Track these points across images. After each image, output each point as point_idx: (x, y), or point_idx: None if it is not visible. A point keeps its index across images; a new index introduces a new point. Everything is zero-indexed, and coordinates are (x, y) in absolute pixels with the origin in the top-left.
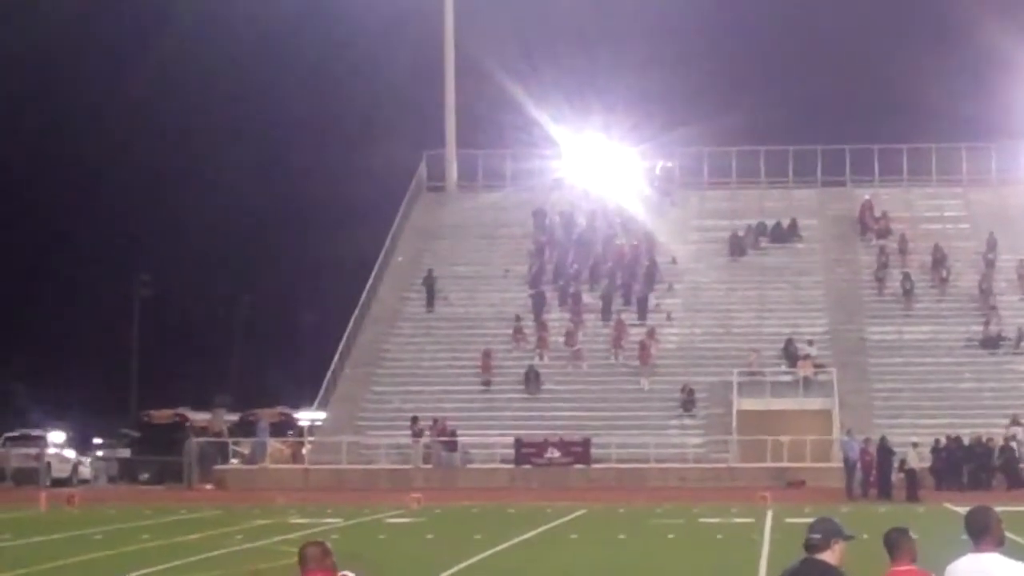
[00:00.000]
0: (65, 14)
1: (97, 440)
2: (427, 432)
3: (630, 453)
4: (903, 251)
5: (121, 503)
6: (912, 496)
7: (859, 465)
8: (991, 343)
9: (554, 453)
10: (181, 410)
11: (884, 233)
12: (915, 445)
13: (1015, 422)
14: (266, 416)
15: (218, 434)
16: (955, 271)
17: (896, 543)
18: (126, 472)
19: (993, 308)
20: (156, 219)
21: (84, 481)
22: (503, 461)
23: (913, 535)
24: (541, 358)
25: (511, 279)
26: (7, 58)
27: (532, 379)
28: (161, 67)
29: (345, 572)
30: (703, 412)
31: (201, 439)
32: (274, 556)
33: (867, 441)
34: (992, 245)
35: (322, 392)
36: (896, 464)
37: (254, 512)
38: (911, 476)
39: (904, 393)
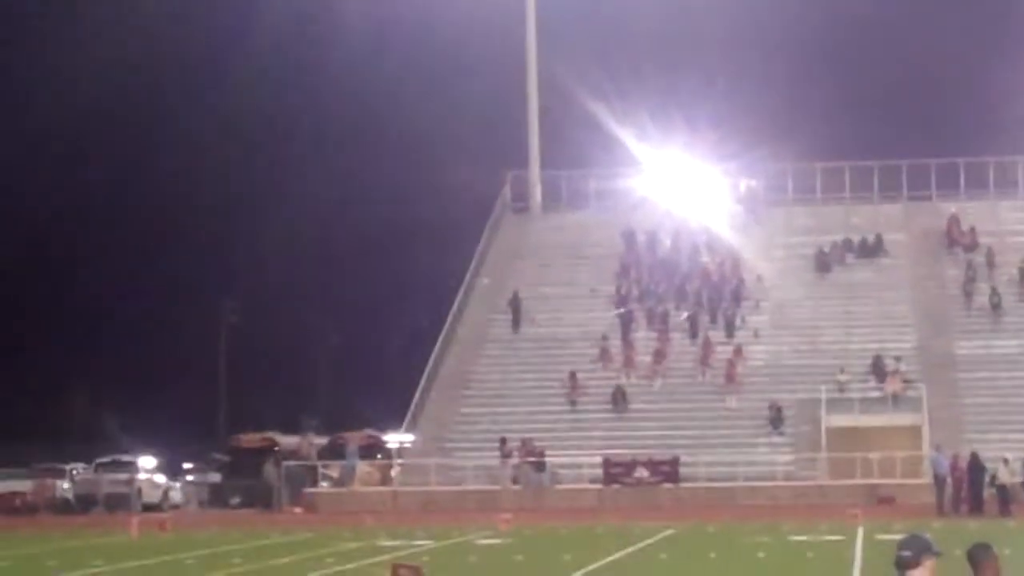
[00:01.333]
0: (158, 40)
1: (187, 465)
2: (515, 453)
3: (719, 472)
4: (990, 265)
5: (212, 527)
6: (1004, 511)
7: (949, 481)
8: None
9: (642, 472)
10: (270, 434)
11: (971, 247)
12: (1006, 460)
13: None
14: (354, 439)
15: (307, 457)
16: None
17: (978, 559)
18: (216, 496)
19: None
20: (243, 245)
21: (175, 506)
22: (591, 481)
23: (996, 550)
24: (628, 377)
25: (597, 299)
26: (102, 82)
27: (619, 399)
28: (252, 95)
29: None
30: (791, 429)
31: (289, 462)
32: None
33: (956, 456)
34: None
35: (410, 414)
36: (987, 479)
37: (344, 535)
38: (1003, 491)
39: (994, 408)
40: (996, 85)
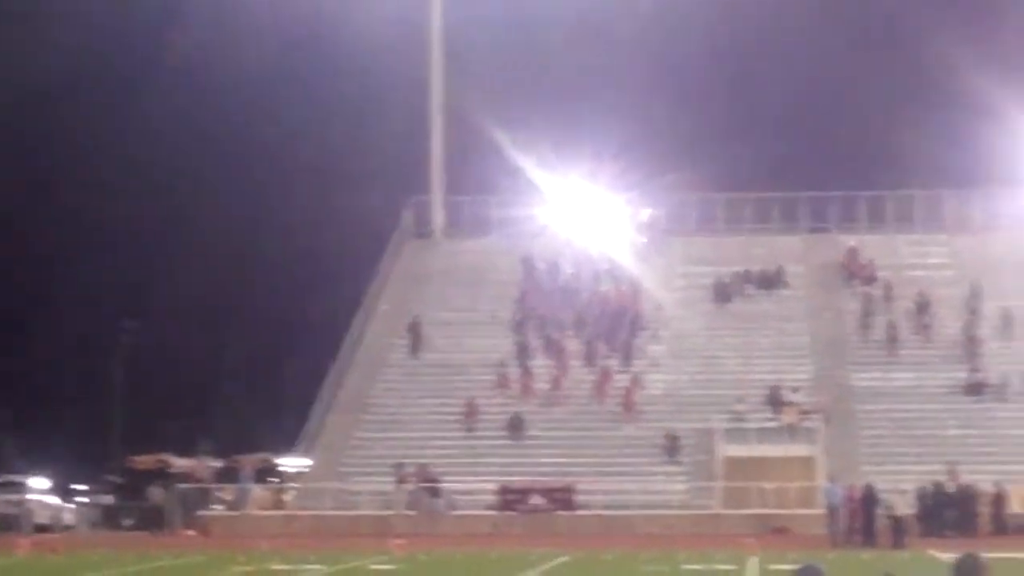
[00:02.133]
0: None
1: (80, 486)
2: (411, 478)
3: (614, 499)
4: (888, 298)
5: (104, 549)
6: (898, 543)
7: (843, 511)
8: (975, 390)
9: (538, 499)
10: (164, 456)
11: (869, 280)
12: (903, 492)
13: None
14: (249, 463)
15: (201, 480)
16: (939, 318)
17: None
18: (109, 518)
19: (977, 355)
20: (139, 267)
21: (67, 527)
22: (487, 507)
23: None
24: (525, 405)
25: (496, 326)
26: None
27: (516, 425)
28: (146, 117)
29: None
30: (688, 459)
31: (183, 485)
32: None
33: (851, 488)
34: (976, 292)
35: (306, 438)
36: (883, 510)
37: (237, 558)
38: (897, 523)
39: (889, 440)
40: (896, 120)
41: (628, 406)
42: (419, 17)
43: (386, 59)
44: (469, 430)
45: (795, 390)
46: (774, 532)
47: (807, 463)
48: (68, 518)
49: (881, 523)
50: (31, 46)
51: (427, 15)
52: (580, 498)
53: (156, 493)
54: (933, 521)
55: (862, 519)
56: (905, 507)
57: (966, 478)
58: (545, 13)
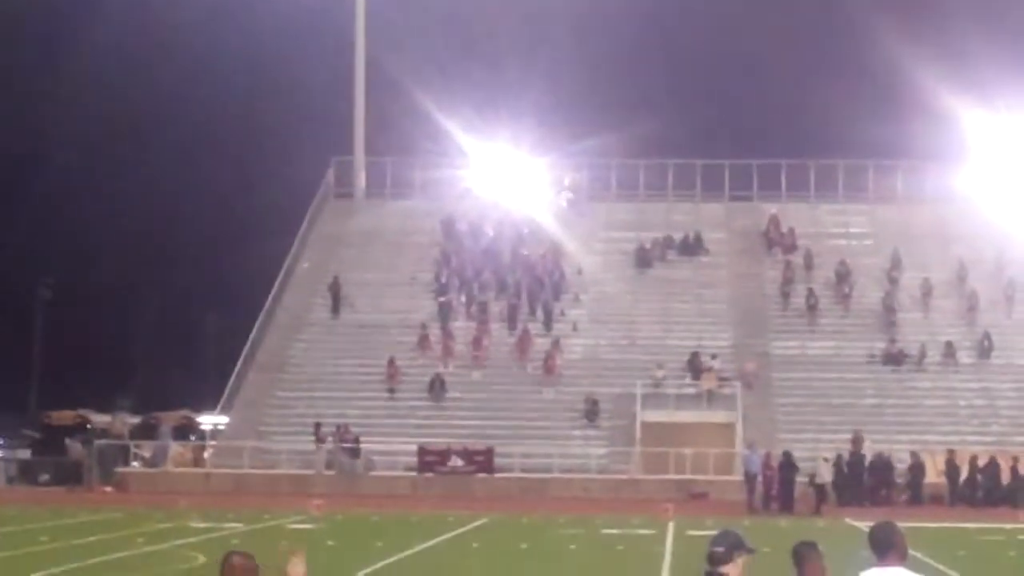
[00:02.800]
0: None
1: None
2: (330, 438)
3: (533, 463)
4: (808, 266)
5: (20, 504)
6: (818, 510)
7: (760, 479)
8: (894, 360)
9: (457, 462)
10: (82, 411)
11: (790, 248)
12: (826, 459)
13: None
14: (168, 419)
15: (119, 436)
16: (859, 287)
17: (803, 557)
18: (25, 473)
19: (896, 325)
20: (57, 222)
21: None
22: (406, 469)
23: (823, 549)
24: (446, 366)
25: (417, 287)
26: None
27: (437, 387)
28: (67, 73)
29: None
30: (607, 423)
31: (101, 441)
32: (178, 559)
33: (768, 455)
34: (896, 262)
35: (225, 396)
36: (808, 478)
37: (155, 515)
38: (820, 490)
39: (807, 408)
40: (819, 89)
41: (549, 369)
42: None
43: (309, 20)
44: (390, 391)
45: (714, 356)
46: (692, 497)
47: (726, 430)
48: None
49: (800, 490)
50: None
51: None
52: (499, 461)
53: (75, 448)
54: (850, 490)
55: (780, 486)
56: (828, 475)
57: (883, 447)
58: None
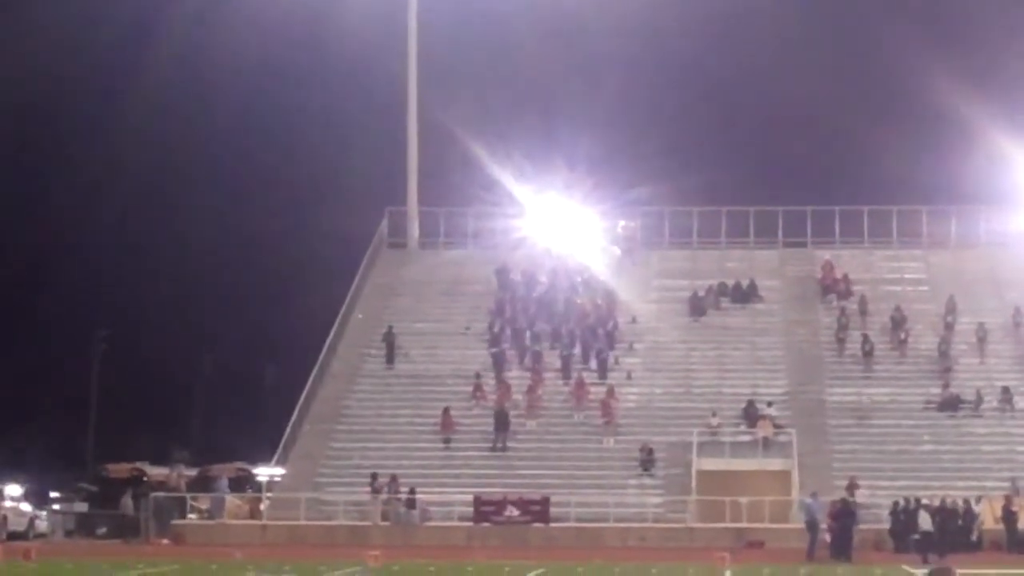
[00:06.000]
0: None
1: (54, 494)
2: (385, 489)
3: (589, 512)
4: (863, 312)
5: (78, 557)
6: (925, 560)
7: (824, 527)
8: (949, 405)
9: (513, 511)
10: (138, 464)
11: (844, 294)
12: (925, 507)
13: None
14: (224, 471)
15: (175, 489)
16: (914, 333)
17: None
18: (83, 526)
19: (951, 371)
20: (116, 275)
21: (40, 535)
22: (462, 519)
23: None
24: (505, 411)
25: (471, 337)
26: None
27: (502, 422)
28: (127, 126)
29: None
30: (662, 472)
31: (158, 494)
32: None
33: (832, 503)
34: (951, 308)
35: (281, 448)
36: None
37: (211, 568)
38: (926, 538)
39: (863, 455)
40: (872, 135)
41: (606, 418)
42: (396, 29)
43: (363, 71)
44: (445, 441)
45: (769, 404)
46: (748, 546)
47: (782, 477)
48: (42, 526)
49: (859, 538)
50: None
51: (404, 27)
52: (555, 510)
53: (127, 503)
54: (906, 537)
55: (836, 534)
56: (928, 523)
57: (941, 493)
58: (522, 26)
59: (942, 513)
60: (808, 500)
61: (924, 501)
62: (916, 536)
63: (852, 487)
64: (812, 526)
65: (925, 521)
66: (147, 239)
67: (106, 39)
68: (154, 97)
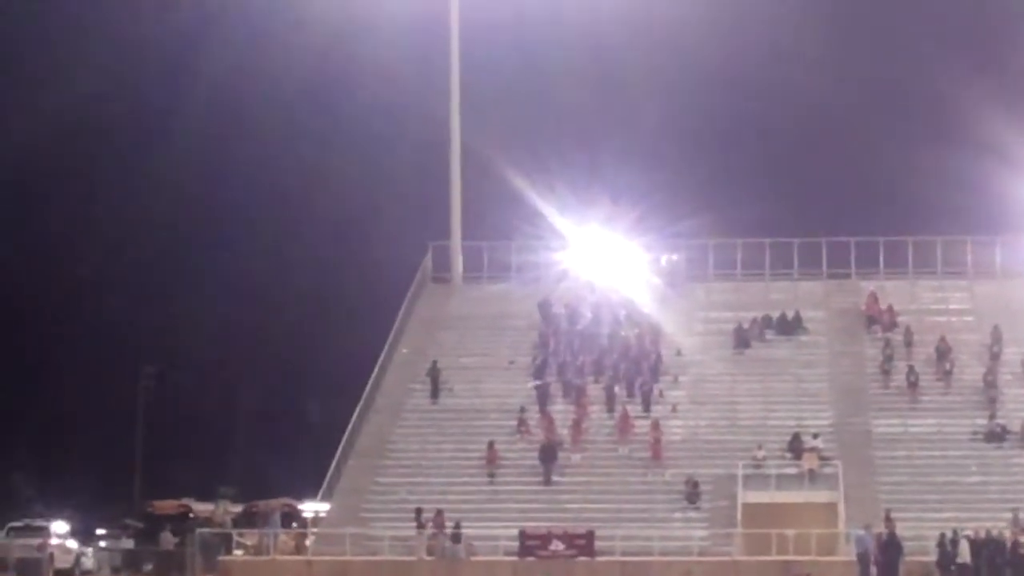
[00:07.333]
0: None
1: (100, 531)
2: (431, 524)
3: (635, 546)
4: (908, 343)
5: None
6: None
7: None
8: (996, 436)
9: (558, 545)
10: (185, 501)
11: (889, 326)
12: (967, 538)
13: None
14: (274, 507)
15: (221, 525)
16: (960, 364)
17: None
18: (129, 563)
19: (998, 401)
20: (160, 311)
21: (87, 572)
22: (507, 553)
23: None
24: (554, 445)
25: (516, 371)
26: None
27: (550, 459)
28: (168, 159)
29: None
30: (707, 505)
31: (204, 530)
32: None
33: (879, 535)
34: (997, 338)
35: (326, 483)
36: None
37: None
38: (963, 571)
39: (909, 487)
40: (916, 166)
41: (655, 453)
42: (438, 62)
43: (405, 104)
44: (490, 476)
45: (816, 436)
46: None
47: (828, 510)
48: (88, 562)
49: (905, 569)
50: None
51: (446, 60)
52: (600, 544)
53: (166, 539)
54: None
55: (883, 567)
56: (968, 555)
57: (987, 524)
58: (564, 59)
59: (989, 545)
60: (860, 532)
61: (966, 533)
62: (953, 567)
63: (888, 520)
64: (863, 558)
65: (964, 552)
66: (193, 273)
67: (142, 74)
68: (199, 130)
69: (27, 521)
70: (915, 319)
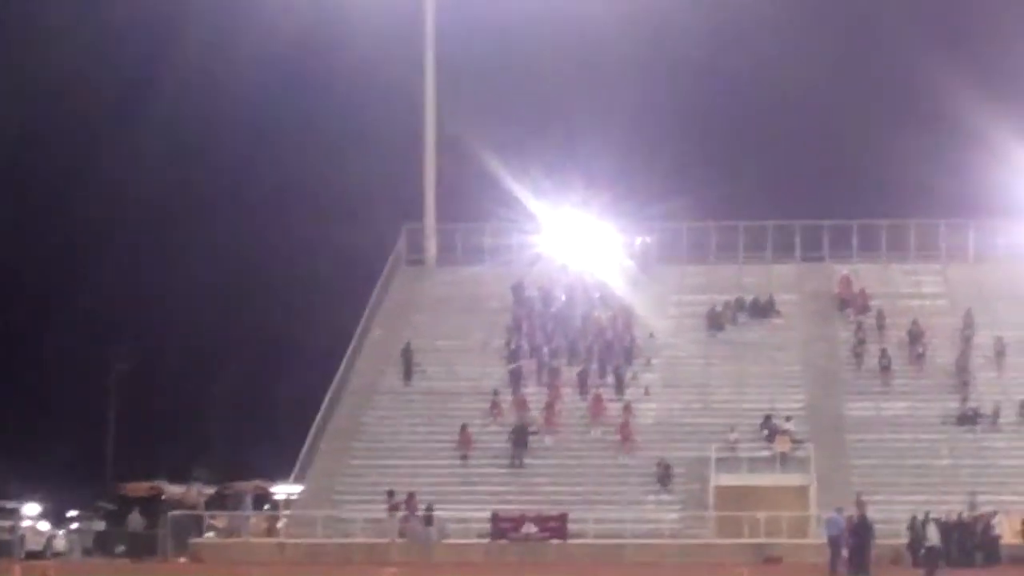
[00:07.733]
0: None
1: (72, 512)
2: (403, 506)
3: (607, 528)
4: (881, 327)
5: (95, 575)
6: (930, 571)
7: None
8: (968, 419)
9: (531, 528)
10: (157, 483)
11: (862, 309)
12: (936, 521)
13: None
14: (247, 489)
15: (194, 507)
16: (932, 347)
17: None
18: (101, 545)
19: (970, 385)
20: (132, 294)
21: (58, 554)
22: (479, 536)
23: None
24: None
25: (489, 353)
26: None
27: (520, 440)
28: (139, 143)
29: None
30: (680, 487)
31: (176, 512)
32: None
33: (850, 518)
34: (969, 322)
35: (298, 466)
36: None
37: None
38: (931, 554)
39: (881, 470)
40: (890, 150)
41: (625, 436)
42: (413, 44)
43: (379, 86)
44: (462, 458)
45: (788, 419)
46: (767, 561)
47: (800, 493)
48: (59, 544)
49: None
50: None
51: (420, 42)
52: (572, 527)
53: (135, 520)
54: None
55: (853, 549)
56: (936, 537)
57: (959, 508)
58: (539, 41)
59: (959, 528)
60: (832, 515)
61: (934, 516)
62: (922, 550)
63: (859, 503)
64: (835, 541)
65: (933, 535)
66: (165, 256)
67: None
68: (165, 115)
69: None
70: (888, 302)
